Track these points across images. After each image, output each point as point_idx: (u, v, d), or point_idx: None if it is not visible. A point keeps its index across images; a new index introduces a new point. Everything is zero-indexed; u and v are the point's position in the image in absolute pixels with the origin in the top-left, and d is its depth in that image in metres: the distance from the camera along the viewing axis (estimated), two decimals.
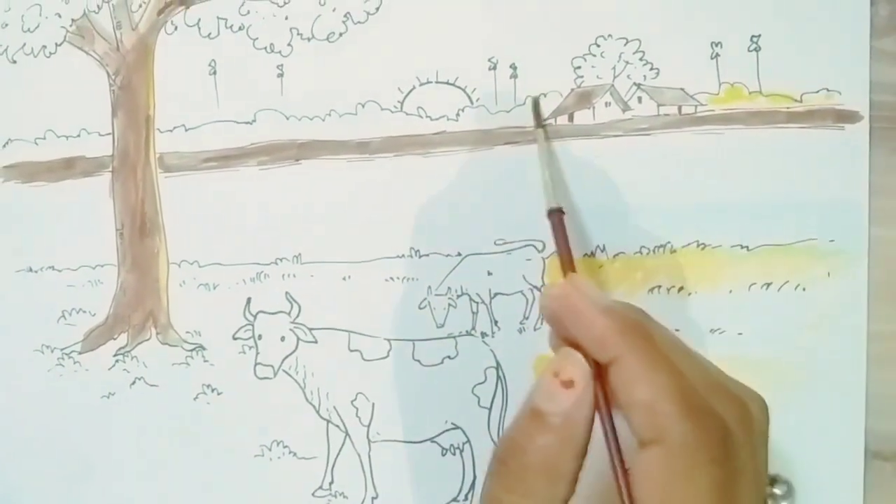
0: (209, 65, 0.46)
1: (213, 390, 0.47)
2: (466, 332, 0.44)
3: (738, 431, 0.30)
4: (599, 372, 0.31)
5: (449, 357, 0.44)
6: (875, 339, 0.39)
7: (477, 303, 0.44)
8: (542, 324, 0.43)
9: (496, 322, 0.43)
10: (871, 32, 0.39)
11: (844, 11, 0.39)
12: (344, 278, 0.45)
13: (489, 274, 0.43)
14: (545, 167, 0.39)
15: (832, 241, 0.40)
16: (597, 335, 0.31)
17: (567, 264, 0.36)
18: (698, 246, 0.41)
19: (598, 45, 0.42)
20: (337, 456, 0.45)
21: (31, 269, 0.49)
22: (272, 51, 0.45)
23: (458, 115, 0.43)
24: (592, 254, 0.42)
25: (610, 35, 0.42)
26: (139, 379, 0.48)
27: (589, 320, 0.32)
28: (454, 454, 0.44)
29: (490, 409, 0.43)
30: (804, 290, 0.40)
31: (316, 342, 0.45)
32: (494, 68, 0.43)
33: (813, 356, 0.40)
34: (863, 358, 0.39)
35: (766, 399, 0.32)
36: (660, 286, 0.41)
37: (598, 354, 0.31)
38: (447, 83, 0.43)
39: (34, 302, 0.49)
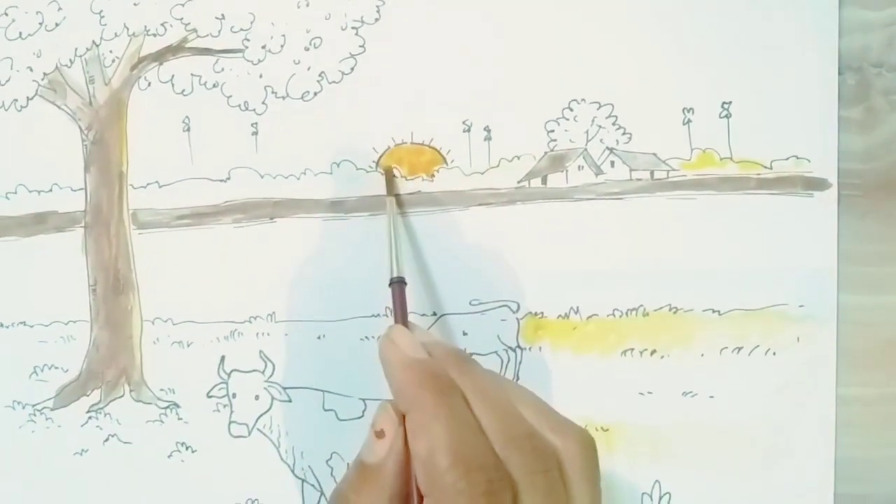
0: (183, 121, 0.46)
1: (187, 448, 0.47)
2: None
3: (534, 479, 0.30)
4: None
5: None
6: (844, 403, 0.40)
7: None
8: None
9: None
10: (839, 101, 0.40)
11: (813, 80, 0.40)
12: (318, 337, 0.45)
13: (464, 334, 0.44)
14: (392, 236, 0.40)
15: (802, 306, 0.40)
16: (394, 388, 0.33)
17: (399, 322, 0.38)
18: (671, 309, 0.41)
19: (572, 109, 0.42)
20: None
21: (2, 325, 0.48)
22: (246, 108, 0.45)
23: (433, 175, 0.44)
24: (566, 315, 0.42)
25: (583, 99, 0.42)
26: (112, 436, 0.47)
27: (391, 373, 0.34)
28: None
29: None
30: (774, 354, 0.40)
31: (290, 401, 0.45)
32: (469, 130, 0.43)
33: (783, 420, 0.40)
34: (832, 422, 0.40)
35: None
36: (633, 349, 0.42)
37: (398, 406, 0.33)
38: (422, 144, 0.44)
39: (5, 357, 0.48)
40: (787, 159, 0.40)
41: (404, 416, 0.32)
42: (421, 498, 0.31)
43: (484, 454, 0.30)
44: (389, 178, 0.43)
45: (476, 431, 0.31)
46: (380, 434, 0.32)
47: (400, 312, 0.38)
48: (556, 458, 0.31)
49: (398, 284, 0.39)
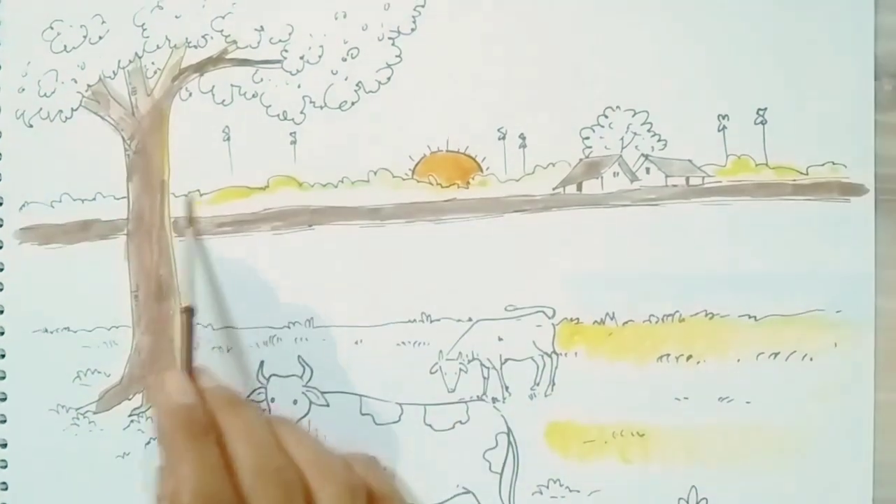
0: (223, 131, 0.47)
1: None
2: (478, 397, 0.44)
3: None
4: None
5: (460, 422, 0.44)
6: (882, 408, 0.40)
7: (488, 368, 0.44)
8: (552, 390, 0.43)
9: (507, 388, 0.44)
10: (876, 106, 0.40)
11: (849, 86, 0.40)
12: (356, 342, 0.45)
13: (500, 339, 0.44)
14: (186, 264, 0.43)
15: (839, 311, 0.40)
16: (157, 433, 0.36)
17: (183, 361, 0.41)
18: (706, 315, 0.42)
19: (607, 116, 0.42)
20: None
21: (46, 330, 0.50)
22: (285, 118, 0.46)
23: (468, 183, 0.44)
24: (602, 321, 0.43)
25: (618, 106, 0.42)
26: (154, 439, 0.48)
27: (155, 418, 0.36)
28: None
29: (501, 474, 0.44)
30: (811, 359, 0.40)
31: (328, 406, 0.45)
32: (504, 138, 0.44)
33: (820, 425, 0.40)
34: (870, 427, 0.40)
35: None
36: (669, 354, 0.42)
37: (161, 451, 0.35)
38: (457, 152, 0.44)
39: (50, 362, 0.50)
40: (823, 165, 0.40)
41: None
42: None
43: (224, 492, 0.32)
44: (190, 205, 0.46)
45: (221, 472, 0.33)
46: (161, 498, 0.35)
47: (185, 345, 0.40)
48: (307, 494, 0.33)
49: (187, 313, 0.40)
